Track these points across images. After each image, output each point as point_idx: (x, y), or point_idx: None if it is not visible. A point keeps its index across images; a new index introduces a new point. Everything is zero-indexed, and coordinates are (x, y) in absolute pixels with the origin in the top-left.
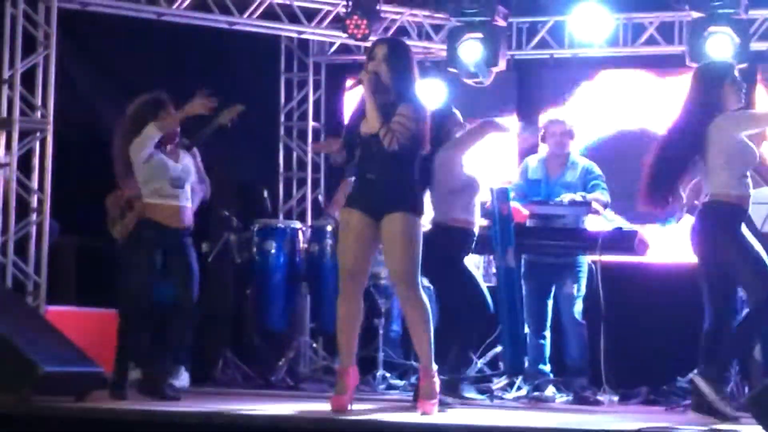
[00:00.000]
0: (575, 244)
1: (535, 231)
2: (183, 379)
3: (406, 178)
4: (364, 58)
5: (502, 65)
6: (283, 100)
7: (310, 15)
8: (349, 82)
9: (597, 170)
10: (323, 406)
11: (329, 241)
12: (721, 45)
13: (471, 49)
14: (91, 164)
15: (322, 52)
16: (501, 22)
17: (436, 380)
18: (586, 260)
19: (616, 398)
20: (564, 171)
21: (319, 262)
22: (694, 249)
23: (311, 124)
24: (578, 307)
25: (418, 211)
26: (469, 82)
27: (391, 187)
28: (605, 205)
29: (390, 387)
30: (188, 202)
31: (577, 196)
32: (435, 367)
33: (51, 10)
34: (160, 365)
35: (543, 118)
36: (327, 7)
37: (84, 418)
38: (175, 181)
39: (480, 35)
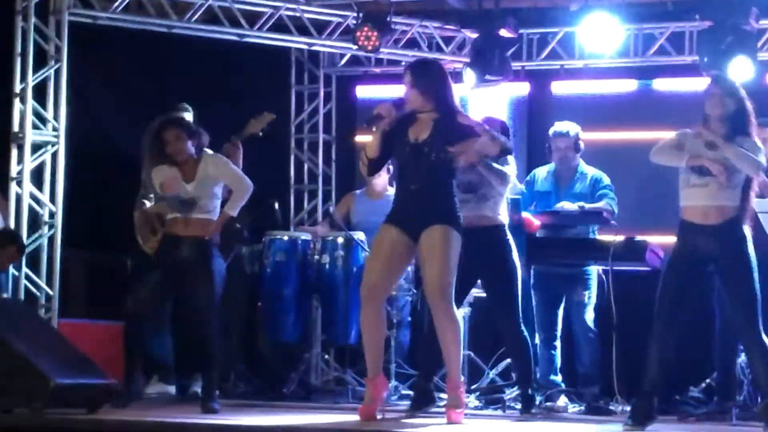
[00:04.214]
0: (587, 254)
1: (546, 241)
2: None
3: (446, 189)
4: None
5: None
6: (293, 112)
7: (320, 27)
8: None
9: (606, 180)
10: (335, 418)
11: (340, 253)
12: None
13: None
14: (103, 178)
15: (332, 63)
16: (511, 34)
17: (463, 390)
18: (595, 269)
19: (628, 408)
20: (574, 182)
21: (330, 274)
22: None
23: (322, 136)
24: (590, 315)
25: (457, 224)
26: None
27: (432, 199)
28: (612, 214)
29: (403, 398)
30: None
31: (574, 206)
32: (462, 377)
33: (62, 23)
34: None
35: (550, 131)
36: (337, 19)
37: (95, 430)
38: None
39: None
